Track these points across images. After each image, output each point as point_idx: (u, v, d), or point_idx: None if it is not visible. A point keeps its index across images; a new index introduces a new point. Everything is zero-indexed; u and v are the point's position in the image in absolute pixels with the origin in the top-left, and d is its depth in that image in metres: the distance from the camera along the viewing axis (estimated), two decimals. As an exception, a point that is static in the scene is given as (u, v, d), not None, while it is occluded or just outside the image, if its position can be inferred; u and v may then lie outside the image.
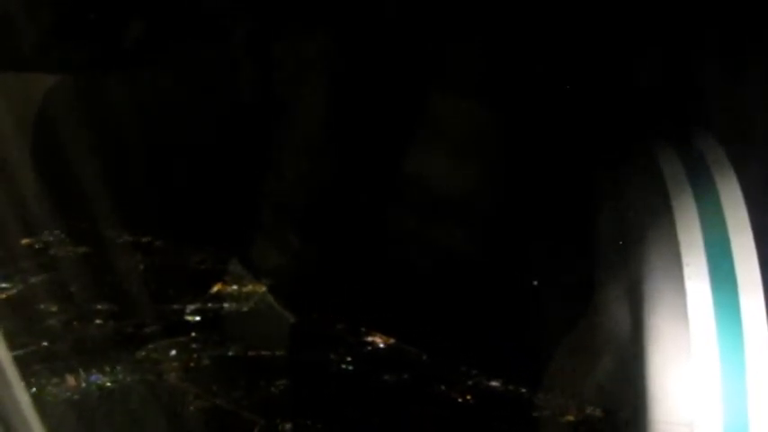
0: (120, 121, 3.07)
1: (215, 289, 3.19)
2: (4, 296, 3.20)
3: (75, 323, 3.12)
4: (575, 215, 2.13)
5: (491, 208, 2.55)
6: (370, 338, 2.78)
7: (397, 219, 2.80)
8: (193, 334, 2.99)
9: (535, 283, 2.25)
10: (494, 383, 2.38)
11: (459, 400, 2.42)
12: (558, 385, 2.12)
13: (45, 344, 3.00)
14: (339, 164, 2.88)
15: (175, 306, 3.14)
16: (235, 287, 3.17)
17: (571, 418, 1.91)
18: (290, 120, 2.95)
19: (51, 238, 3.43)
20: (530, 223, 2.37)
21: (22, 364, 2.79)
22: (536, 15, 2.28)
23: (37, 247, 3.42)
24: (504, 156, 2.52)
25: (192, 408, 2.63)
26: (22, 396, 1.46)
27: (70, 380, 2.79)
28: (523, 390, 2.19)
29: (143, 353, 2.95)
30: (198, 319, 3.05)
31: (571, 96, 2.27)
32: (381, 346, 2.74)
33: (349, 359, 2.71)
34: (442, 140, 2.70)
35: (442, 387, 2.45)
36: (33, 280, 3.31)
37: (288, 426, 2.49)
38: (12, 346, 2.84)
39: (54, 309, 3.17)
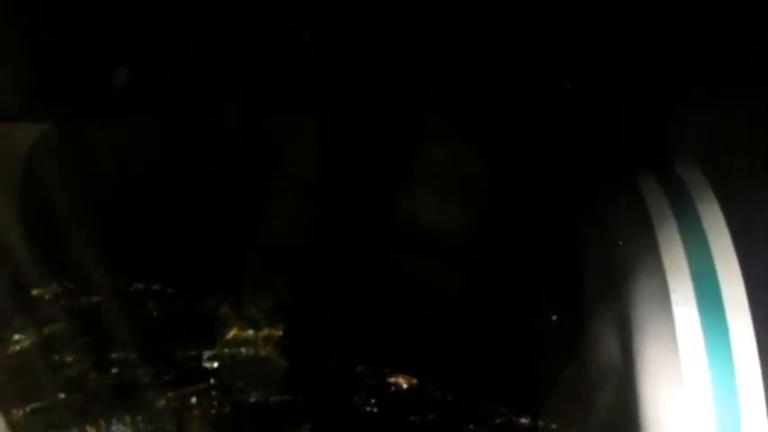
0: (108, 170, 3.08)
1: (231, 334, 3.19)
2: (18, 348, 3.18)
3: (91, 373, 3.10)
4: (561, 248, 2.18)
5: (481, 246, 2.59)
6: (392, 379, 2.78)
7: (390, 260, 2.83)
8: (212, 381, 2.97)
9: (553, 317, 2.27)
10: (523, 420, 2.38)
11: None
12: (559, 417, 2.14)
13: (62, 395, 2.98)
14: (330, 208, 2.92)
15: (192, 353, 3.13)
16: (251, 332, 3.16)
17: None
18: (279, 166, 2.98)
19: (61, 289, 3.42)
20: (519, 259, 2.41)
21: (41, 415, 2.78)
22: (521, 58, 2.35)
23: (47, 297, 3.41)
24: (492, 194, 2.57)
25: (217, 456, 2.61)
26: None
27: (91, 431, 2.76)
28: (554, 426, 2.21)
29: (162, 401, 2.92)
30: (216, 365, 3.04)
31: (555, 131, 2.32)
32: (405, 386, 2.74)
33: (373, 401, 2.70)
34: (431, 183, 2.74)
35: (471, 426, 2.45)
36: (47, 331, 3.29)
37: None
38: (29, 398, 2.84)
39: (69, 359, 3.15)
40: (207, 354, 3.08)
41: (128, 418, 2.78)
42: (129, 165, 3.07)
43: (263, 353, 3.07)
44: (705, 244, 1.08)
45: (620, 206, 1.27)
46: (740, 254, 1.09)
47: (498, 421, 2.40)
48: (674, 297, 1.07)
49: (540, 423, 2.17)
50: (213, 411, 2.77)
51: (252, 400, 2.79)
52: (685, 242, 1.10)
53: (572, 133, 2.24)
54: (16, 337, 3.23)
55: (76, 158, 3.10)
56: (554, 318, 2.07)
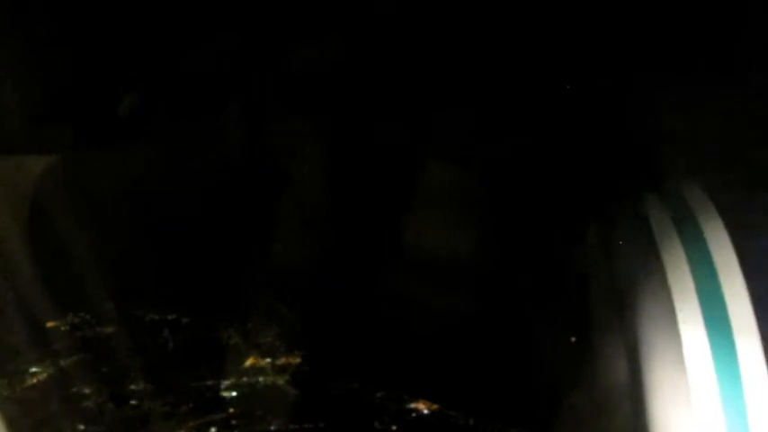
0: (118, 198, 3.10)
1: (248, 363, 3.18)
2: (35, 380, 3.17)
3: (109, 405, 3.09)
4: (566, 270, 2.18)
5: (491, 268, 2.60)
6: (413, 405, 2.77)
7: (395, 283, 2.84)
8: (231, 410, 2.96)
9: (570, 339, 2.27)
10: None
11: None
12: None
13: (81, 427, 2.97)
14: (334, 234, 2.93)
15: (209, 382, 3.13)
16: (268, 360, 3.16)
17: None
18: (283, 191, 2.99)
19: (77, 320, 3.42)
20: (524, 281, 2.41)
21: (62, 449, 2.77)
22: (520, 78, 2.37)
23: (63, 329, 3.41)
24: (499, 216, 2.58)
25: (240, 487, 2.59)
26: None
27: (112, 464, 2.75)
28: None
29: (182, 432, 2.91)
30: (234, 394, 3.03)
31: (559, 153, 2.34)
32: (426, 412, 2.73)
33: (394, 427, 2.69)
34: (437, 202, 2.75)
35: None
36: (63, 363, 3.29)
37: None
38: (48, 430, 2.83)
39: (87, 391, 3.14)
40: (224, 383, 3.08)
41: (148, 451, 2.76)
42: (138, 192, 3.08)
43: (280, 381, 3.05)
44: (710, 263, 1.09)
45: (624, 227, 1.28)
46: (745, 271, 1.09)
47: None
48: (680, 316, 1.08)
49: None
50: (233, 441, 2.75)
51: (272, 428, 2.77)
52: (690, 261, 1.11)
53: (576, 155, 2.25)
54: (33, 369, 3.23)
55: (85, 187, 3.11)
56: (571, 339, 2.07)
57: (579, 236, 2.05)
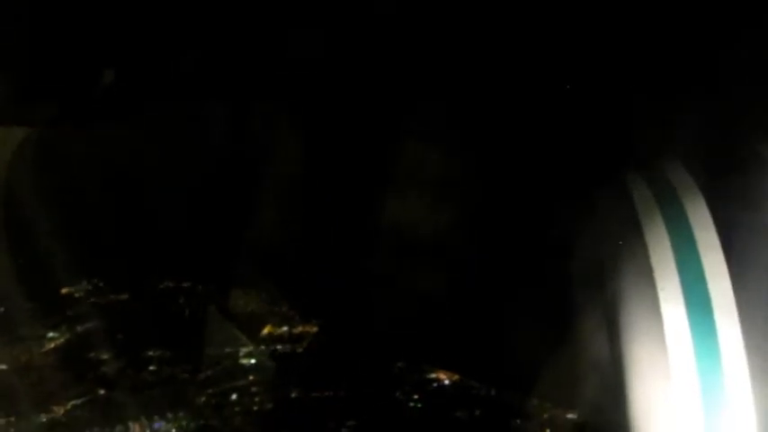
0: (122, 167, 3.09)
1: (265, 331, 3.20)
2: (53, 345, 3.19)
3: (128, 370, 3.11)
4: (548, 247, 2.22)
5: (470, 243, 2.64)
6: (433, 375, 2.81)
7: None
8: (251, 377, 2.99)
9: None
10: (570, 416, 2.42)
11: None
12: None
13: (102, 392, 2.99)
14: (275, 214, 2.94)
15: (227, 350, 3.15)
16: (285, 328, 3.18)
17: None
18: (265, 170, 3.00)
19: (91, 287, 3.43)
20: (506, 257, 2.45)
21: (83, 411, 2.79)
22: (514, 59, 2.38)
23: (77, 295, 3.42)
24: (478, 192, 2.60)
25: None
26: None
27: (135, 428, 2.78)
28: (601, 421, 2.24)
29: (203, 398, 2.94)
30: (253, 362, 3.06)
31: (542, 130, 2.36)
32: (447, 382, 2.77)
33: (416, 396, 2.73)
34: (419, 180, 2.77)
35: (518, 421, 2.48)
36: (80, 328, 3.30)
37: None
38: (69, 395, 2.85)
39: (106, 356, 3.16)
40: (243, 351, 3.10)
41: (170, 415, 2.78)
42: (145, 161, 3.07)
43: (299, 350, 3.08)
44: (693, 243, 1.11)
45: (608, 206, 1.30)
46: (727, 252, 1.12)
47: (546, 416, 2.43)
48: (661, 295, 1.10)
49: (586, 418, 2.20)
50: (255, 408, 2.78)
51: (293, 395, 2.80)
52: (673, 241, 1.13)
53: (562, 134, 2.27)
54: (50, 334, 3.24)
55: (93, 158, 3.09)
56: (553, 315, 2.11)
57: (563, 214, 2.08)
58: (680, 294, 1.05)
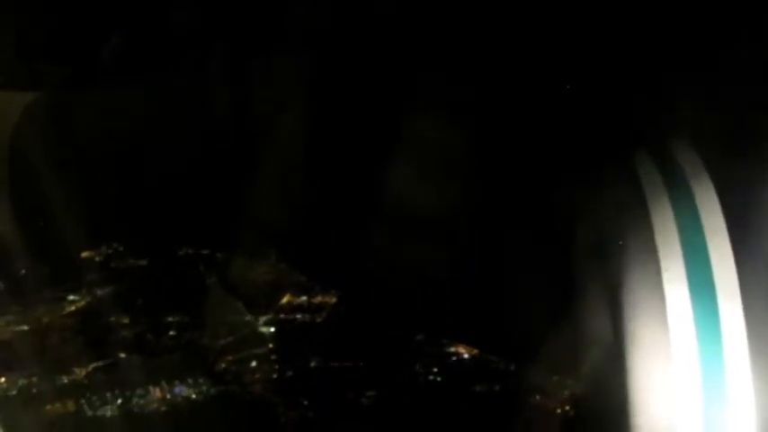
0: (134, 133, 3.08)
1: (284, 300, 3.21)
2: (73, 308, 3.20)
3: (148, 335, 3.13)
4: (555, 224, 2.21)
5: (481, 219, 2.63)
6: (452, 349, 2.82)
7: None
8: (270, 345, 3.01)
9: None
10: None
11: (558, 410, 2.46)
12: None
13: (122, 355, 3.01)
14: (295, 181, 2.93)
15: (246, 318, 3.16)
16: (304, 298, 3.19)
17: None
18: (267, 139, 2.98)
19: (110, 251, 3.44)
20: (511, 233, 2.44)
21: (105, 374, 2.82)
22: (514, 32, 2.35)
23: (97, 260, 3.43)
24: (483, 168, 2.59)
25: (283, 420, 2.65)
26: None
27: (156, 391, 2.80)
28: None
29: (223, 365, 2.96)
30: (272, 330, 3.07)
31: (549, 107, 2.34)
32: (466, 356, 2.77)
33: (435, 370, 2.74)
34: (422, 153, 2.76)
35: (537, 397, 2.49)
36: (100, 292, 3.32)
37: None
38: (90, 357, 2.87)
39: (126, 321, 3.18)
40: (262, 319, 3.11)
41: (190, 380, 2.81)
42: (157, 124, 3.06)
43: (318, 320, 3.09)
44: (698, 226, 1.10)
45: (616, 185, 1.29)
46: (733, 236, 1.11)
47: (566, 393, 2.44)
48: (665, 276, 1.09)
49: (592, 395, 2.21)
50: (274, 376, 2.80)
51: (312, 365, 2.82)
52: (679, 223, 1.12)
53: (572, 112, 2.25)
54: (70, 297, 3.26)
55: (98, 120, 3.08)
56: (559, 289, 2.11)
57: (571, 192, 2.07)
58: (683, 276, 1.05)
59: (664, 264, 1.07)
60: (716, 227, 1.08)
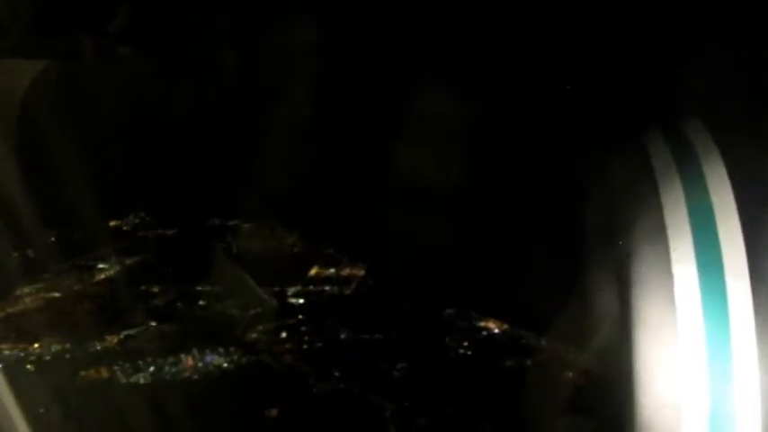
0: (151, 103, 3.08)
1: (312, 272, 3.23)
2: (103, 276, 3.23)
3: (178, 304, 3.16)
4: (563, 201, 2.20)
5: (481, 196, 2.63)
6: (482, 323, 2.82)
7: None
8: (300, 317, 3.02)
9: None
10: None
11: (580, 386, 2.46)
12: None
13: (153, 324, 3.04)
14: (322, 152, 2.92)
15: (275, 289, 3.18)
16: (332, 270, 3.20)
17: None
18: (273, 107, 2.97)
19: (138, 221, 3.46)
20: (519, 211, 2.44)
21: (136, 342, 2.85)
22: (525, 12, 2.32)
23: (125, 228, 3.45)
24: (492, 145, 2.58)
25: (315, 390, 2.68)
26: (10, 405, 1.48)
27: (187, 360, 2.83)
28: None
29: (254, 335, 2.98)
30: (301, 301, 3.09)
31: (560, 86, 2.32)
32: (496, 331, 2.78)
33: (465, 344, 2.75)
34: (425, 130, 2.75)
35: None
36: (129, 261, 3.34)
37: (421, 411, 2.53)
38: (121, 325, 2.90)
39: (156, 289, 3.20)
40: (291, 290, 3.12)
41: (221, 349, 2.83)
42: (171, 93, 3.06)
43: (347, 292, 3.10)
44: (708, 205, 1.10)
45: (624, 160, 1.28)
46: (743, 216, 1.11)
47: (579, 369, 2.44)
48: (673, 255, 1.09)
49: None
50: (305, 347, 2.82)
51: (342, 337, 2.84)
52: (688, 201, 1.11)
53: (580, 86, 2.23)
54: (100, 265, 3.28)
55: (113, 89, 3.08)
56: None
57: (578, 169, 2.06)
58: (692, 255, 1.05)
59: (672, 242, 1.07)
60: (726, 208, 1.08)
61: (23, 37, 2.73)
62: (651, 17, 1.93)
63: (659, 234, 1.07)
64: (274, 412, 2.56)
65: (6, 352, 2.72)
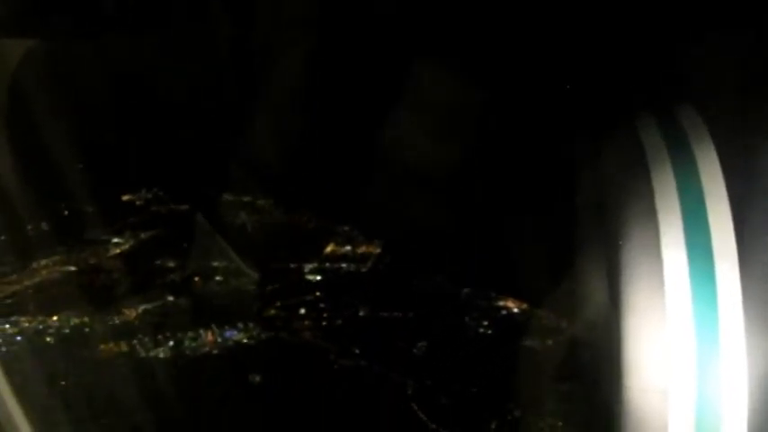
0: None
1: (328, 249, 3.23)
2: (118, 250, 3.22)
3: (195, 279, 3.16)
4: (554, 184, 2.22)
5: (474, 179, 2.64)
6: (501, 303, 2.84)
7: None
8: (318, 293, 3.03)
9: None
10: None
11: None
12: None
13: (171, 298, 3.04)
14: (315, 124, 2.92)
15: (291, 265, 3.18)
16: (348, 247, 3.21)
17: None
18: (267, 79, 2.96)
19: (150, 195, 3.45)
20: (511, 193, 2.46)
21: (155, 317, 2.85)
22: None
23: (138, 203, 3.44)
24: (485, 127, 2.59)
25: (336, 367, 2.69)
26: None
27: (207, 335, 2.84)
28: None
29: (272, 311, 2.99)
30: (319, 278, 3.10)
31: (553, 69, 2.33)
32: (516, 311, 2.80)
33: (485, 323, 2.77)
34: (423, 110, 2.75)
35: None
36: (144, 236, 3.33)
37: (443, 389, 2.56)
38: (138, 299, 2.90)
39: (172, 264, 3.20)
40: (307, 267, 3.13)
41: (240, 325, 2.84)
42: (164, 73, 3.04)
43: (363, 269, 3.11)
44: (699, 190, 1.11)
45: (616, 144, 1.30)
46: (733, 202, 1.12)
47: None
48: (663, 240, 1.11)
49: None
50: (324, 323, 2.83)
51: (361, 314, 2.85)
52: (679, 186, 1.13)
53: (573, 70, 2.25)
54: (115, 240, 3.27)
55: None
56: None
57: (569, 152, 2.08)
58: (682, 240, 1.06)
59: (662, 226, 1.08)
60: (716, 192, 1.09)
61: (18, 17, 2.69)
62: (645, 4, 1.93)
63: (650, 218, 1.08)
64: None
65: (26, 324, 2.71)
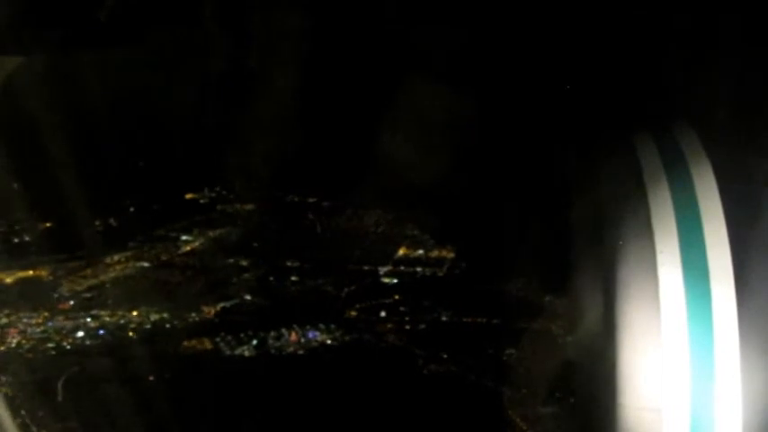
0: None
1: (400, 252, 3.21)
2: (188, 248, 3.18)
3: (270, 279, 3.13)
4: (551, 201, 2.22)
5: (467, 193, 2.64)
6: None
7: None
8: (397, 297, 3.01)
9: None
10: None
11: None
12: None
13: (248, 297, 3.01)
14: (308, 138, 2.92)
15: (366, 268, 3.16)
16: (421, 251, 3.19)
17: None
18: (261, 92, 2.96)
19: (214, 195, 3.42)
20: (507, 208, 2.46)
21: (234, 315, 2.81)
22: (522, 11, 2.33)
23: (202, 202, 3.41)
24: (481, 142, 2.59)
25: (425, 372, 2.66)
26: None
27: (291, 334, 2.80)
28: None
29: (353, 313, 2.96)
30: (395, 281, 3.07)
31: (551, 86, 2.34)
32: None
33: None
34: (417, 125, 2.75)
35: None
36: (212, 234, 3.30)
37: (538, 399, 2.53)
38: (215, 297, 2.86)
39: (245, 263, 3.17)
40: (382, 270, 3.10)
41: (322, 326, 2.81)
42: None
43: (440, 273, 3.09)
44: (695, 209, 1.11)
45: (613, 162, 1.30)
46: (729, 220, 1.12)
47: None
48: (660, 258, 1.10)
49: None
50: (407, 327, 2.80)
51: (443, 319, 2.82)
52: (676, 205, 1.13)
53: (571, 86, 2.25)
54: (183, 237, 3.23)
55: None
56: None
57: (567, 170, 2.08)
58: (678, 258, 1.06)
59: (659, 245, 1.07)
60: (713, 210, 1.08)
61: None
62: (643, 21, 1.94)
63: (646, 236, 1.07)
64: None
65: (107, 318, 2.67)
